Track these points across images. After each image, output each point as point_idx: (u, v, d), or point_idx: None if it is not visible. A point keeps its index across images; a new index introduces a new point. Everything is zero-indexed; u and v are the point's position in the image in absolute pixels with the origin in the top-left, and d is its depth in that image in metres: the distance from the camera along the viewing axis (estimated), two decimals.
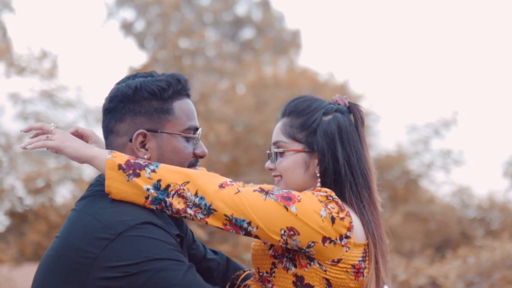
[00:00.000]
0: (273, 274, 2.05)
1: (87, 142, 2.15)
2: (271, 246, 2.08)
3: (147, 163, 1.92)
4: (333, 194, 1.99)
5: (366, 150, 2.14)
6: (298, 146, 2.11)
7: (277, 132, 2.16)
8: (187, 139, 2.08)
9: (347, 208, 2.01)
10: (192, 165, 2.11)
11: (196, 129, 2.11)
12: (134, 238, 1.83)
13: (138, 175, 1.88)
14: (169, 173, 1.91)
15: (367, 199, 2.08)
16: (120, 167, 1.89)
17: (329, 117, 2.11)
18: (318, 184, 2.08)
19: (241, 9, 23.43)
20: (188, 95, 2.12)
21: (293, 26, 26.47)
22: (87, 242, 1.85)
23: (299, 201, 1.93)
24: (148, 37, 23.07)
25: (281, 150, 2.12)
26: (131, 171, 1.89)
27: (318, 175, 2.09)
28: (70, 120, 11.67)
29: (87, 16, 27.60)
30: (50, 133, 2.02)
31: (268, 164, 2.17)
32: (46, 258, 1.95)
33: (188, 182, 1.90)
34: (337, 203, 1.97)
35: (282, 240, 1.91)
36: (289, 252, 2.02)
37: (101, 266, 1.82)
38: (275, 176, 2.16)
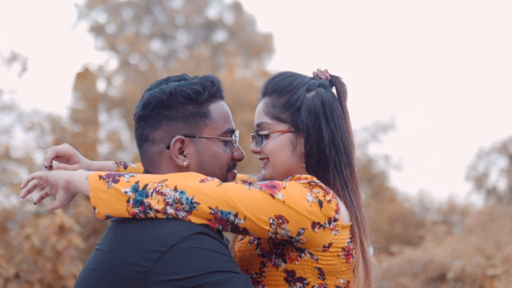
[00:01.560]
0: (263, 274, 1.99)
1: (67, 163, 2.08)
2: (258, 245, 2.03)
3: (127, 173, 1.87)
4: (314, 179, 1.94)
5: (349, 124, 2.08)
6: (284, 126, 2.04)
7: (260, 113, 2.08)
8: (225, 142, 2.02)
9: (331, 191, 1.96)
10: (230, 169, 2.05)
11: (233, 131, 2.05)
12: (189, 250, 1.76)
13: (117, 181, 1.83)
14: (147, 176, 1.85)
15: (350, 179, 2.03)
16: (100, 177, 1.83)
17: (312, 93, 2.05)
18: (304, 165, 2.03)
19: (212, 12, 23.35)
20: (222, 97, 2.06)
21: (266, 29, 26.50)
22: (138, 255, 1.77)
23: (284, 188, 1.87)
24: (119, 40, 22.86)
25: (266, 132, 2.05)
26: (110, 179, 1.83)
27: (304, 155, 2.02)
28: (6, 124, 11.37)
29: (57, 18, 27.26)
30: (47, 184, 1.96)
31: (253, 147, 2.11)
32: (89, 273, 1.86)
33: (166, 180, 1.83)
34: (321, 187, 1.92)
35: (271, 229, 1.84)
36: (277, 248, 1.97)
37: (155, 280, 1.74)
38: (261, 159, 2.09)
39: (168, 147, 1.96)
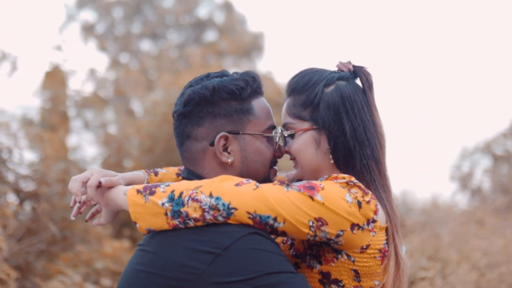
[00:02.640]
0: None
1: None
2: (292, 245, 2.00)
3: (163, 182, 1.85)
4: (352, 178, 1.89)
5: (375, 116, 2.02)
6: (305, 124, 2.01)
7: (284, 114, 2.06)
8: (268, 138, 2.00)
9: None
10: (272, 165, 2.02)
11: (274, 127, 2.02)
12: (244, 251, 1.73)
13: (153, 193, 1.80)
14: (182, 184, 1.82)
15: (377, 172, 1.98)
16: (138, 191, 1.81)
17: (331, 87, 2.01)
18: (331, 162, 2.00)
19: (203, 11, 23.36)
20: (262, 93, 2.03)
21: (256, 29, 26.50)
22: (190, 257, 1.73)
23: (322, 189, 1.82)
24: (110, 39, 22.87)
25: (289, 132, 2.03)
26: (147, 192, 1.80)
27: (329, 151, 1.99)
28: None
29: (47, 18, 27.20)
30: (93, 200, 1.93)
31: (283, 147, 2.07)
32: (135, 274, 1.82)
33: (201, 186, 1.80)
34: (359, 187, 1.88)
35: (310, 232, 1.80)
36: (312, 249, 1.93)
37: (209, 282, 1.71)
38: (292, 159, 2.06)
39: (211, 144, 1.94)
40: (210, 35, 23.68)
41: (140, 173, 2.09)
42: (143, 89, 13.75)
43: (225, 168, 1.95)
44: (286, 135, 2.03)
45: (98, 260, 5.97)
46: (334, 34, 30.77)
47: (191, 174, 1.96)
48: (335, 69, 2.10)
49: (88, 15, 23.01)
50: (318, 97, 1.99)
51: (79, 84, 13.73)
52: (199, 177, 1.94)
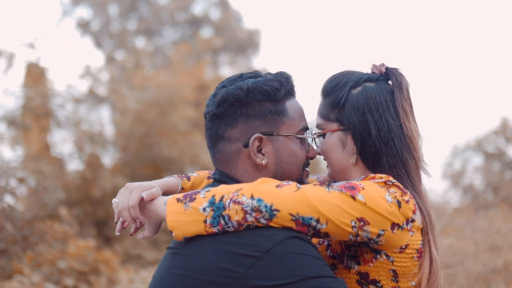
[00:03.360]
0: None
1: None
2: (328, 246, 1.99)
3: (203, 189, 1.84)
4: (390, 178, 1.89)
5: (405, 116, 2.01)
6: (333, 125, 2.03)
7: (316, 116, 2.09)
8: (301, 140, 1.99)
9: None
10: (305, 167, 2.01)
11: (307, 129, 2.01)
12: (284, 255, 1.70)
13: (193, 200, 1.78)
14: (222, 188, 1.81)
15: (404, 172, 1.99)
16: (178, 200, 1.79)
17: (358, 89, 2.02)
18: (359, 162, 2.01)
19: (198, 8, 23.35)
20: (295, 94, 2.01)
21: (252, 26, 26.49)
22: (229, 260, 1.71)
23: (363, 188, 1.82)
24: (105, 36, 22.86)
25: (319, 132, 2.05)
26: (187, 199, 1.79)
27: (355, 152, 2.00)
28: None
29: (43, 15, 27.18)
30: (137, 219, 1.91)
31: (315, 148, 2.08)
32: (170, 277, 1.80)
33: (241, 189, 1.78)
34: (398, 186, 1.88)
35: (353, 232, 1.79)
36: (350, 250, 1.92)
37: (248, 286, 1.69)
38: (324, 159, 2.08)
39: (245, 146, 1.92)
40: (206, 32, 23.67)
41: (174, 179, 2.08)
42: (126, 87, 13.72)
43: (259, 170, 1.93)
44: (315, 136, 2.05)
45: (61, 260, 5.95)
46: (330, 31, 30.78)
47: (223, 176, 1.94)
48: (369, 71, 2.11)
49: (84, 12, 22.99)
50: (344, 98, 2.01)
51: (74, 81, 13.72)
52: (232, 178, 1.93)
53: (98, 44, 23.07)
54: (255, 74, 1.96)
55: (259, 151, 1.92)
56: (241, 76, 1.95)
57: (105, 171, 10.32)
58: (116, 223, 1.99)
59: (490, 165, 13.77)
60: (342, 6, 32.46)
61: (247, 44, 23.16)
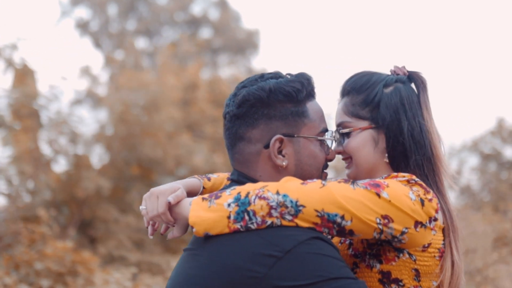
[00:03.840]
0: (354, 275, 1.91)
1: None
2: (350, 245, 1.99)
3: (228, 188, 1.84)
4: (413, 176, 1.92)
5: (430, 118, 2.06)
6: (364, 123, 2.03)
7: (340, 113, 2.08)
8: (321, 142, 1.98)
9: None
10: (324, 169, 2.00)
11: (327, 130, 2.00)
12: (306, 255, 1.70)
13: (219, 197, 1.79)
14: (248, 185, 1.81)
15: (431, 171, 2.02)
16: (203, 199, 1.80)
17: (390, 88, 2.05)
18: (386, 160, 2.02)
19: (197, 8, 23.36)
20: (316, 96, 2.00)
21: (252, 26, 26.50)
22: (250, 260, 1.70)
23: (387, 186, 1.83)
24: (104, 36, 22.88)
25: (347, 130, 2.04)
26: (213, 197, 1.80)
27: (386, 150, 2.02)
28: None
29: (42, 15, 27.20)
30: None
31: (336, 147, 2.06)
32: (189, 278, 1.79)
33: (267, 185, 1.79)
34: (421, 185, 1.90)
35: (377, 229, 1.80)
36: (372, 248, 1.93)
37: (270, 286, 1.68)
38: (344, 159, 2.08)
39: (266, 147, 1.91)
40: (205, 32, 23.67)
41: (195, 180, 2.09)
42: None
43: (279, 171, 1.92)
44: (343, 133, 2.04)
45: (39, 261, 5.94)
46: (329, 31, 30.76)
47: (242, 176, 1.93)
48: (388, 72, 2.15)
49: (83, 12, 23.00)
50: (378, 96, 2.03)
51: (73, 81, 13.70)
52: (251, 179, 1.92)
53: (97, 44, 23.08)
54: (277, 75, 1.95)
55: (280, 152, 1.91)
56: (262, 77, 1.94)
57: (89, 171, 10.29)
58: (147, 227, 2.00)
59: (486, 166, 13.75)
60: (341, 5, 32.48)
61: (246, 44, 23.15)
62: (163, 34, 23.52)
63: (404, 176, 1.91)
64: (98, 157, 11.21)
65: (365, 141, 2.02)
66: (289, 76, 1.95)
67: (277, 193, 1.75)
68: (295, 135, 1.91)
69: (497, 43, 25.73)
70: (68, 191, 10.17)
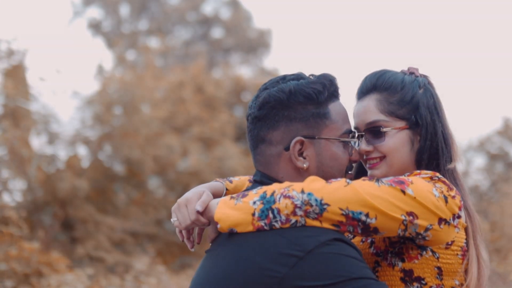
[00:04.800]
0: (376, 274, 1.93)
1: None
2: (372, 243, 1.98)
3: (255, 188, 1.85)
4: (437, 174, 1.91)
5: (448, 121, 2.09)
6: (401, 123, 2.01)
7: (372, 111, 2.03)
8: (344, 143, 1.95)
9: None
10: (348, 171, 1.98)
11: (351, 132, 1.98)
12: (327, 255, 1.69)
13: (245, 196, 1.80)
14: (274, 185, 1.82)
15: (457, 174, 2.03)
16: (231, 197, 1.82)
17: (422, 90, 2.05)
18: (424, 159, 2.01)
19: (209, 8, 23.39)
20: (339, 96, 1.99)
21: (263, 25, 26.50)
22: (271, 259, 1.70)
23: (412, 183, 1.82)
24: (116, 36, 22.98)
25: (388, 129, 2.01)
26: (240, 196, 1.81)
27: (419, 151, 2.01)
28: None
29: (54, 15, 27.43)
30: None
31: (365, 146, 2.03)
32: (213, 277, 1.79)
33: (292, 185, 1.79)
34: (444, 182, 1.89)
35: (402, 226, 1.79)
36: (394, 247, 1.92)
37: (291, 285, 1.68)
38: (371, 158, 2.04)
39: (286, 149, 1.90)
40: (217, 32, 23.69)
41: (217, 183, 2.09)
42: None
43: (300, 173, 1.91)
44: (381, 131, 2.01)
45: (3, 262, 5.94)
46: (341, 30, 30.67)
47: (265, 177, 1.93)
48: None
49: (95, 12, 23.11)
50: (417, 97, 2.02)
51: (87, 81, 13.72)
52: (274, 180, 1.91)
53: (110, 44, 23.18)
54: (298, 76, 1.94)
55: (300, 154, 1.90)
56: (284, 78, 1.93)
57: (66, 172, 10.30)
58: (183, 241, 2.01)
59: (493, 166, 13.65)
60: (353, 4, 32.38)
61: (257, 44, 23.15)
62: (175, 34, 23.58)
63: (427, 173, 1.91)
64: (78, 157, 11.14)
65: (403, 142, 2.01)
66: (311, 78, 1.93)
67: (302, 191, 1.75)
68: (316, 137, 1.90)
69: (501, 42, 25.54)
70: (48, 191, 10.15)
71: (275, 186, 1.80)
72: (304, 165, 1.89)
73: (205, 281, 1.80)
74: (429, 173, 1.91)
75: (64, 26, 22.43)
